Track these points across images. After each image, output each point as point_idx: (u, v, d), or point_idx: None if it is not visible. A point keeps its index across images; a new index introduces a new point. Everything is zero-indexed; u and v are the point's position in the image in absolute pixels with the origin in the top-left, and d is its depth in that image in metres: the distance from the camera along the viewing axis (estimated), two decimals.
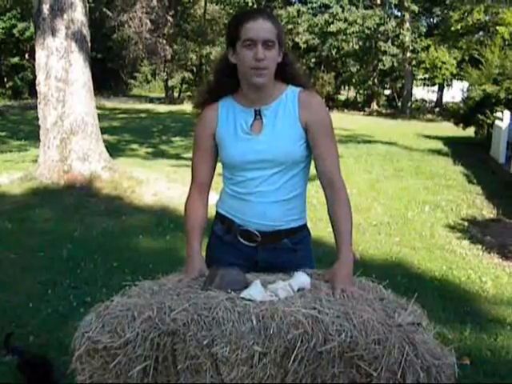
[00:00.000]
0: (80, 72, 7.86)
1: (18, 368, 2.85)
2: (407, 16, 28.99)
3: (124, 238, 5.61)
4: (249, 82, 1.93)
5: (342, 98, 36.69)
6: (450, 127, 17.44)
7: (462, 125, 15.25)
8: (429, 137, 16.81)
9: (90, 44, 8.16)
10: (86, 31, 7.98)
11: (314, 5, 31.99)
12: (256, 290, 1.68)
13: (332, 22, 29.03)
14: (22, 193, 7.38)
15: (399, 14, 30.51)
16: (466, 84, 17.66)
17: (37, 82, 7.90)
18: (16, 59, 32.18)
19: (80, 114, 7.86)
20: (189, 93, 34.38)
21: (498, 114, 12.01)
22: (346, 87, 38.30)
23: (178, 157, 11.44)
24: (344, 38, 29.99)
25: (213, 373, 1.54)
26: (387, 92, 35.41)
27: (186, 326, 1.55)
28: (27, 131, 14.34)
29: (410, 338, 1.54)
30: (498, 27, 17.12)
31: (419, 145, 14.53)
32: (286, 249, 2.04)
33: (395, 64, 29.94)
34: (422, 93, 35.06)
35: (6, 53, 32.70)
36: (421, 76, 31.75)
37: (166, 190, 7.82)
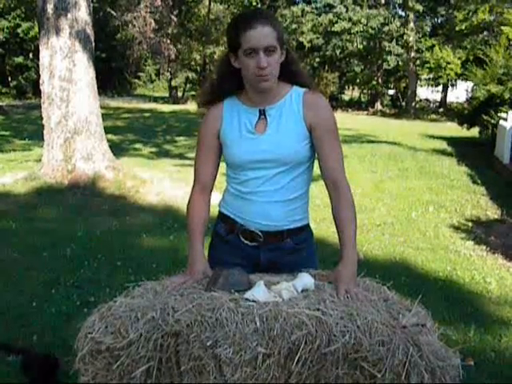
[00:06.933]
0: (84, 71, 7.87)
1: (22, 368, 2.84)
2: (411, 16, 28.95)
3: (127, 237, 5.62)
4: (254, 87, 1.93)
5: (345, 97, 36.76)
6: (455, 127, 17.40)
7: (466, 125, 15.19)
8: (433, 137, 16.77)
9: (93, 43, 8.17)
10: (89, 31, 7.99)
11: (318, 4, 32.04)
12: (260, 291, 1.67)
13: (336, 22, 29.06)
14: (25, 192, 7.39)
15: (403, 13, 30.51)
16: (470, 84, 17.60)
17: (41, 81, 7.91)
18: (20, 59, 32.29)
19: (84, 114, 7.87)
20: (193, 92, 34.45)
21: (503, 115, 11.97)
22: (350, 87, 38.33)
23: (181, 156, 11.45)
24: (348, 37, 30.03)
25: (216, 374, 1.53)
26: (391, 92, 35.40)
27: (190, 327, 1.54)
28: (31, 131, 14.37)
29: (414, 340, 1.54)
30: (502, 27, 17.00)
31: (423, 145, 14.50)
32: (288, 249, 2.04)
33: (399, 64, 29.94)
34: (427, 93, 35.00)
35: (11, 52, 32.82)
36: (425, 76, 31.62)
37: (170, 189, 7.83)
